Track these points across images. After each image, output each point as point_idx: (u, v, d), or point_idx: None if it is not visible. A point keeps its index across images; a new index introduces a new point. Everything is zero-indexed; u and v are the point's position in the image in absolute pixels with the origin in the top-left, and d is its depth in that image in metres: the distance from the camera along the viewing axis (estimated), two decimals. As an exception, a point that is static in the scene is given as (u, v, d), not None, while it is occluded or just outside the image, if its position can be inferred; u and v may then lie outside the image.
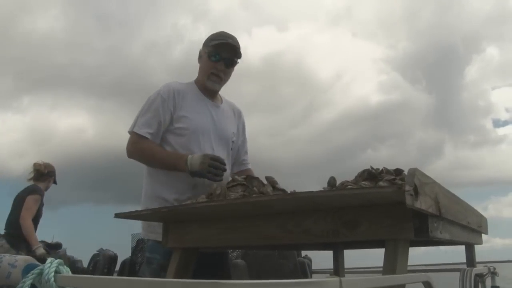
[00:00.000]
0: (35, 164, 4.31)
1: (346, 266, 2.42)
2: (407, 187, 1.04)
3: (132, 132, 2.10)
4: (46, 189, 4.35)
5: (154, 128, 2.07)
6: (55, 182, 4.44)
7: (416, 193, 1.06)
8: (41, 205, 4.24)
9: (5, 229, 4.11)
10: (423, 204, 1.11)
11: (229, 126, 2.25)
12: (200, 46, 2.25)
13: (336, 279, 0.84)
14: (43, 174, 4.28)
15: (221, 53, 2.15)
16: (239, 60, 2.22)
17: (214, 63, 2.16)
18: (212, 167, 1.93)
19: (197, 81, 2.25)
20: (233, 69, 2.23)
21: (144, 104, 2.13)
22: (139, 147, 2.08)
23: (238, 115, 2.36)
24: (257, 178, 1.53)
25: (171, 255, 1.93)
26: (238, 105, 2.40)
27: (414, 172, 1.08)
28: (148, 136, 2.06)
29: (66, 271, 1.04)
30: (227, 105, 2.31)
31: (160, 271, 1.94)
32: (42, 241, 4.27)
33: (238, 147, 2.33)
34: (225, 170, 1.98)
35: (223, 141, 2.19)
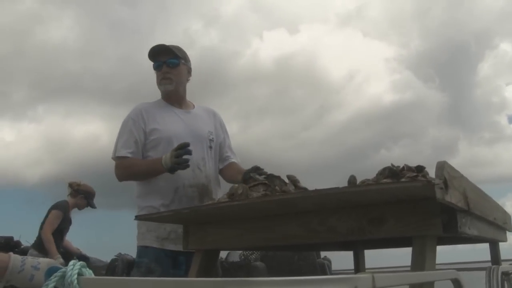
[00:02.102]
0: (69, 182, 4.68)
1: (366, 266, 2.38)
2: (437, 181, 1.01)
3: (114, 158, 2.25)
4: (77, 206, 4.64)
5: (132, 147, 2.23)
6: (91, 205, 4.71)
7: (446, 186, 1.03)
8: (65, 220, 4.50)
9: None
10: (452, 198, 1.08)
11: (203, 127, 2.38)
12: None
13: (368, 275, 0.82)
14: (74, 190, 4.62)
15: (159, 58, 2.32)
16: (185, 62, 2.37)
17: (158, 71, 2.34)
18: (178, 157, 2.05)
19: (161, 96, 2.41)
20: (180, 69, 2.35)
21: (119, 130, 2.30)
22: (122, 167, 2.23)
23: (213, 115, 2.50)
24: (278, 177, 1.51)
25: (159, 259, 2.14)
26: (211, 107, 2.56)
27: (443, 165, 1.05)
28: (129, 155, 2.22)
29: (88, 273, 1.03)
30: (200, 109, 2.46)
31: (148, 274, 2.07)
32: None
33: (219, 144, 2.45)
34: (189, 153, 2.06)
35: (199, 140, 2.31)
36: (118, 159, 2.24)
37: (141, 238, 2.19)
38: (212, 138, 2.39)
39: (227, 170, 2.41)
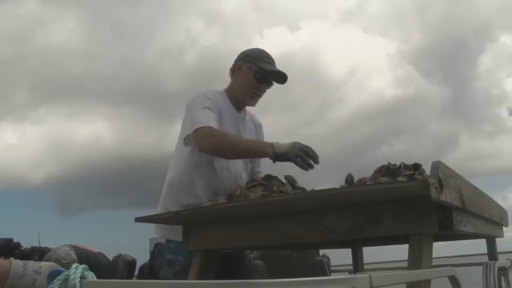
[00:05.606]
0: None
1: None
2: (432, 180, 1.03)
3: (200, 128, 1.98)
4: None
5: (216, 124, 2.02)
6: None
7: (441, 186, 1.05)
8: None
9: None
10: (448, 197, 1.10)
11: None
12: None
13: (366, 275, 0.83)
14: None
15: (270, 77, 2.19)
16: None
17: (260, 84, 2.19)
18: (303, 152, 1.80)
19: (229, 92, 2.25)
20: None
21: (194, 106, 2.07)
22: (212, 135, 1.99)
23: (258, 128, 2.41)
24: (276, 177, 1.53)
25: (191, 259, 1.95)
26: (258, 118, 2.43)
27: (438, 164, 1.07)
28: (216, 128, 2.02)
29: (91, 276, 1.04)
30: (249, 118, 2.34)
31: (183, 273, 1.92)
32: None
33: (255, 159, 2.36)
34: (317, 162, 1.85)
35: None
36: (207, 128, 1.98)
37: (175, 232, 1.98)
38: None
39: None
